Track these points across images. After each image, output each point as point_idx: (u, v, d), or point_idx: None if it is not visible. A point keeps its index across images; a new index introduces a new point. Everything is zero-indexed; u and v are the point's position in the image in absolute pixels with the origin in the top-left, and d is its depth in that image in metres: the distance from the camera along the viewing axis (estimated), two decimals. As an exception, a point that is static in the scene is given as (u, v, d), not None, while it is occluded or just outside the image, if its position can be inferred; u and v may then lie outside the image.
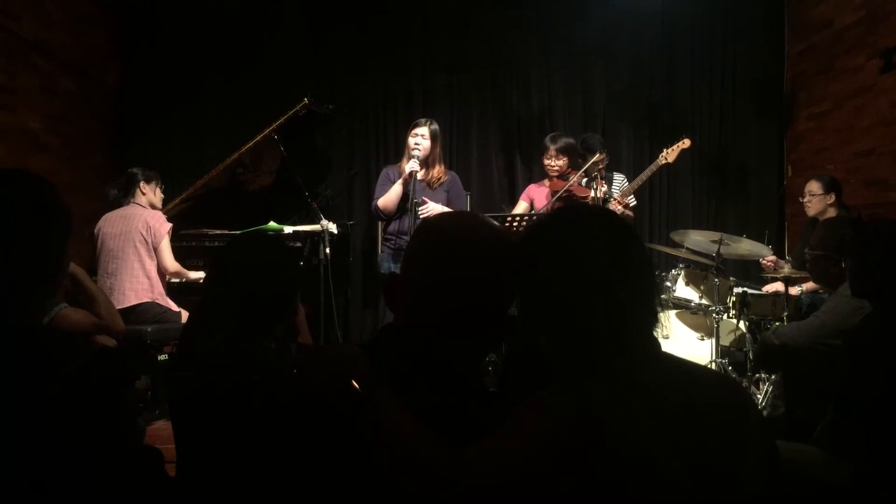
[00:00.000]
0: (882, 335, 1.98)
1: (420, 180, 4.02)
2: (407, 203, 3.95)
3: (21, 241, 1.23)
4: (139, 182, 4.13)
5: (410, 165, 3.97)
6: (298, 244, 4.26)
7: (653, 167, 4.56)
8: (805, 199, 4.39)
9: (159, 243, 4.00)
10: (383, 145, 5.67)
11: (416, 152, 4.01)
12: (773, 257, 4.33)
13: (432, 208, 4.00)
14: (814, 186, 4.33)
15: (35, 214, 1.26)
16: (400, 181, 4.10)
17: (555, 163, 4.49)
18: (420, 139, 4.07)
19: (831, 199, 4.25)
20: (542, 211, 4.53)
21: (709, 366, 3.86)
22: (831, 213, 4.20)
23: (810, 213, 4.39)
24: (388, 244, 4.28)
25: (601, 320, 1.09)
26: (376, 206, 4.22)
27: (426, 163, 4.11)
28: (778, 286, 4.11)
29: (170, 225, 4.07)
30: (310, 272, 4.17)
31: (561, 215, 1.30)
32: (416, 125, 4.15)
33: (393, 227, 4.23)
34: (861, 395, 1.95)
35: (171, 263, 4.06)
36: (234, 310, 1.79)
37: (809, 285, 4.03)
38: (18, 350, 1.17)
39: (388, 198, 4.13)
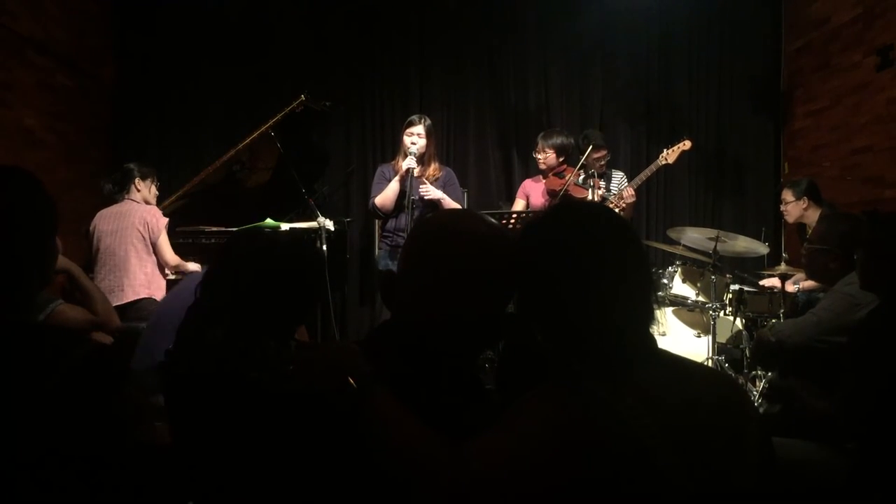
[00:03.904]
0: (890, 328, 1.96)
1: (416, 177, 4.03)
2: (404, 200, 3.96)
3: (7, 238, 1.23)
4: (134, 178, 4.12)
5: (407, 162, 3.98)
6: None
7: (652, 168, 4.53)
8: (782, 208, 4.37)
9: (157, 238, 3.99)
10: (380, 142, 5.66)
11: (412, 150, 4.02)
12: (776, 281, 4.28)
13: (432, 191, 4.05)
14: (786, 195, 4.29)
15: (20, 210, 1.25)
16: (397, 178, 4.10)
17: (541, 156, 4.49)
18: (416, 137, 4.08)
19: (805, 203, 4.19)
20: (538, 208, 4.52)
21: (705, 363, 3.87)
22: (810, 215, 4.15)
23: (789, 220, 4.37)
24: (385, 241, 4.28)
25: (598, 317, 1.09)
26: (373, 203, 4.22)
27: (421, 160, 4.11)
28: (774, 281, 4.12)
29: (166, 219, 4.06)
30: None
31: (558, 212, 1.30)
32: (411, 123, 4.15)
33: (390, 224, 4.23)
34: (864, 389, 1.94)
35: (172, 257, 4.06)
36: (235, 306, 1.78)
37: (806, 283, 4.03)
38: (13, 346, 1.17)
39: (386, 195, 4.14)
